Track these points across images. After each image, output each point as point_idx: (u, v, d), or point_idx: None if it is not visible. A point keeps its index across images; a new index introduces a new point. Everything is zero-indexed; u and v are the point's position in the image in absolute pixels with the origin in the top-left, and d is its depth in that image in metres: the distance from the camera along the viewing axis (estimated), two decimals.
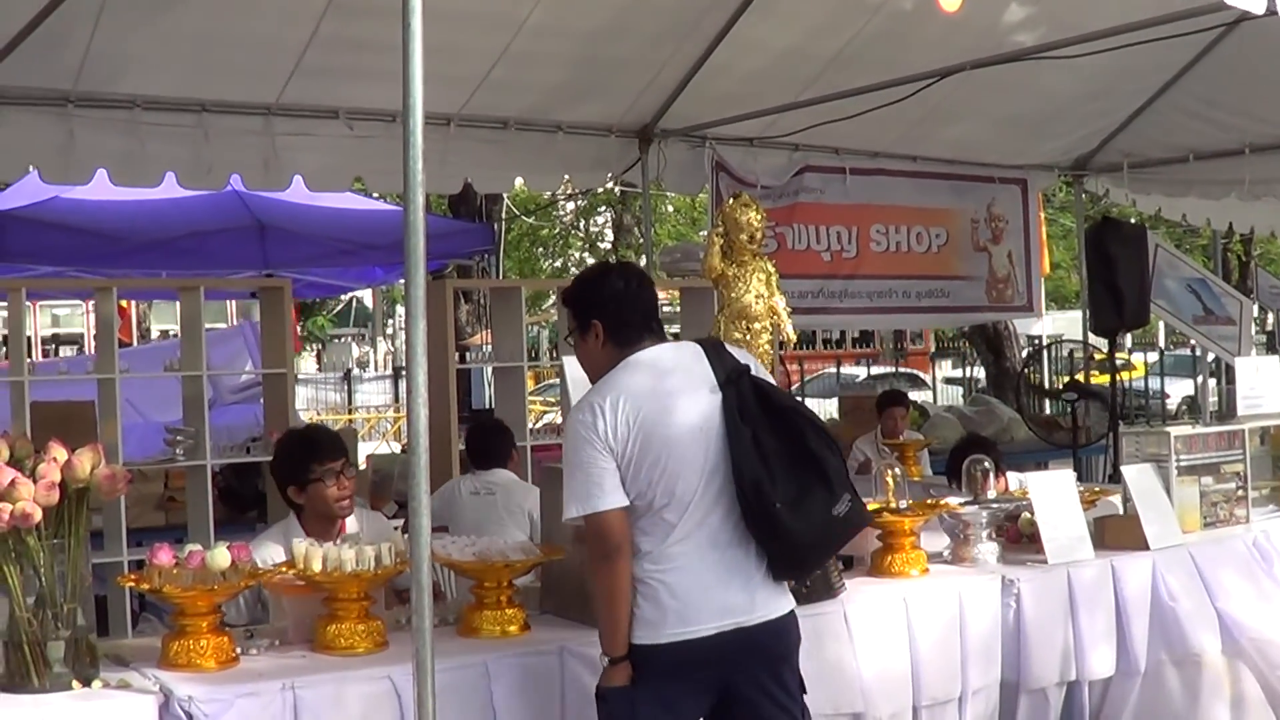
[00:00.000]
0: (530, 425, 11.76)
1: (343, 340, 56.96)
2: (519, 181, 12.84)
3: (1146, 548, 7.15)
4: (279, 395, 10.11)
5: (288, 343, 9.99)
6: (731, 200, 6.57)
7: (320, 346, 54.13)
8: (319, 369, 47.52)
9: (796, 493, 4.88)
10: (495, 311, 12.17)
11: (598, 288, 5.24)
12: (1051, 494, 7.09)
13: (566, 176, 13.01)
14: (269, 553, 6.05)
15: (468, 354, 16.44)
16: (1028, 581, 6.68)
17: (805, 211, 13.79)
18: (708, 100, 12.00)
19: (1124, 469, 7.50)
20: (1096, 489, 7.95)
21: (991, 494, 7.16)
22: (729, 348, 5.20)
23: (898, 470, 6.89)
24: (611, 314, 5.12)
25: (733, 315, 6.35)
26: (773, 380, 5.40)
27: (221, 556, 5.02)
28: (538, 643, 5.51)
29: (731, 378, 4.99)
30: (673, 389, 4.96)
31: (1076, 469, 9.02)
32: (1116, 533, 7.29)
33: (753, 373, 5.09)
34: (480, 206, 19.27)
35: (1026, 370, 17.06)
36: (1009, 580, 6.65)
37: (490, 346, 12.30)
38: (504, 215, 21.90)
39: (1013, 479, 8.27)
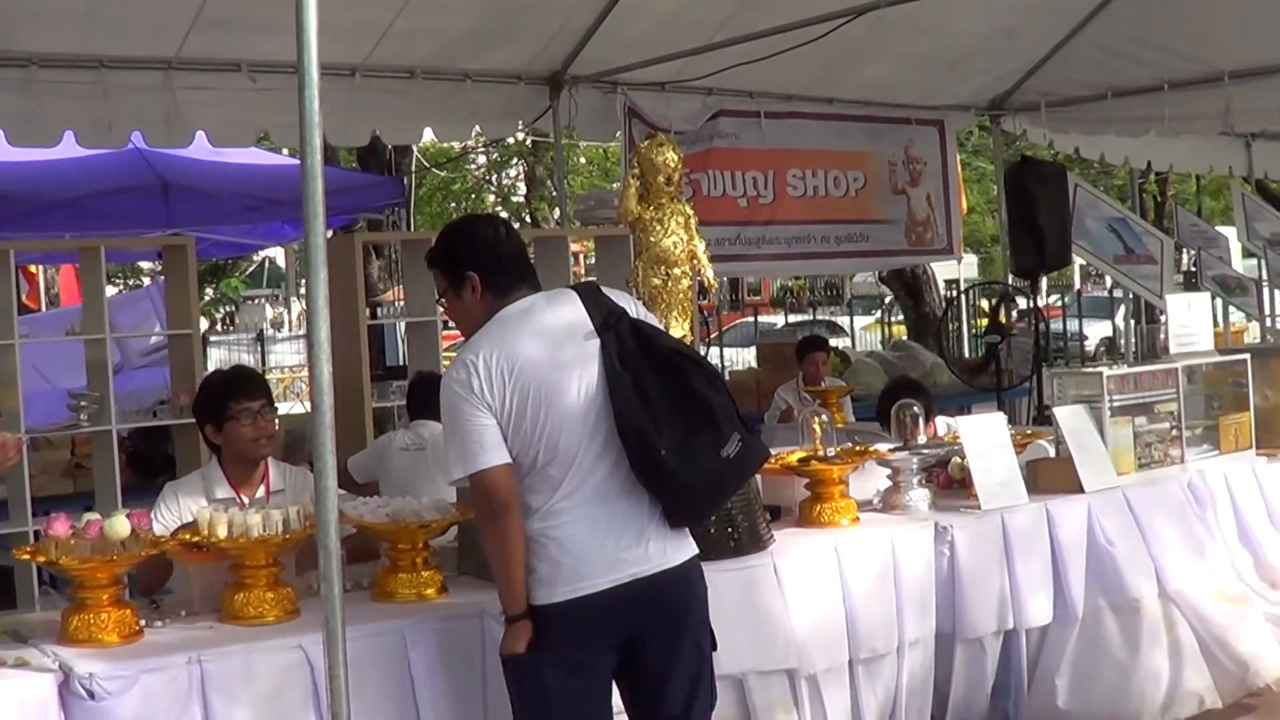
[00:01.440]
0: None
1: (256, 302, 56.40)
2: (428, 133, 12.56)
3: (1081, 491, 6.99)
4: (185, 356, 9.78)
5: (193, 302, 9.64)
6: (647, 140, 6.29)
7: (233, 308, 53.57)
8: (232, 330, 46.96)
9: (683, 437, 4.66)
10: (407, 266, 11.92)
11: (468, 238, 4.99)
12: (983, 438, 6.91)
13: (477, 127, 12.68)
14: (184, 504, 5.85)
15: (379, 310, 16.17)
16: (961, 529, 6.50)
17: (720, 157, 13.63)
18: (619, 45, 11.79)
19: (1056, 410, 7.31)
20: (1029, 432, 7.77)
21: (922, 439, 6.96)
22: (606, 290, 4.95)
23: (824, 417, 6.68)
24: (487, 264, 4.88)
25: (650, 260, 6.09)
26: (656, 321, 5.20)
27: (120, 525, 4.75)
28: (456, 607, 5.28)
29: (609, 321, 4.76)
30: (548, 339, 4.73)
31: (1000, 411, 8.81)
32: (1050, 476, 7.12)
33: (632, 314, 4.87)
34: (389, 160, 18.94)
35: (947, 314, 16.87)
36: (942, 528, 6.47)
37: (403, 302, 12.04)
38: (414, 168, 21.49)
39: (941, 423, 8.13)
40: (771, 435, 11.35)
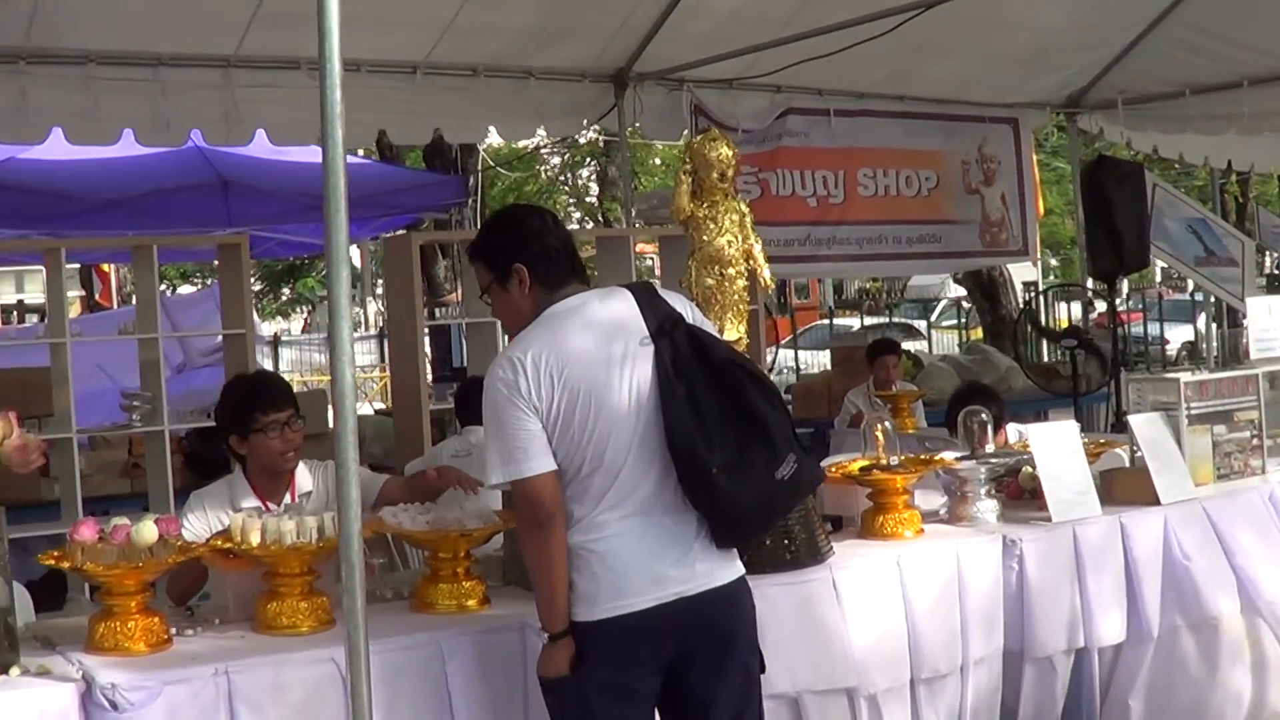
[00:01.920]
0: None
1: None
2: (492, 131, 12.36)
3: (1157, 502, 6.66)
4: (240, 356, 9.64)
5: (247, 301, 9.47)
6: (700, 135, 6.05)
7: (310, 308, 53.74)
8: (307, 330, 47.07)
9: (735, 455, 4.42)
10: (467, 266, 11.69)
11: (514, 229, 4.74)
12: (1054, 447, 6.60)
13: (541, 126, 12.56)
14: (212, 515, 5.68)
15: (441, 311, 15.95)
16: (1031, 541, 6.19)
17: (789, 156, 13.37)
18: (684, 41, 11.57)
19: (1131, 419, 7.00)
20: (1102, 440, 7.44)
21: (990, 448, 6.69)
22: (663, 292, 4.71)
23: (888, 423, 6.39)
24: (535, 255, 4.63)
25: (704, 260, 5.84)
26: (712, 328, 4.92)
27: (148, 531, 4.56)
28: (497, 619, 5.04)
29: (665, 327, 4.52)
30: (600, 340, 4.48)
31: (1077, 418, 8.49)
32: (1124, 487, 6.81)
33: (689, 320, 4.62)
34: (455, 159, 18.73)
35: (1024, 317, 16.54)
36: (1010, 541, 6.16)
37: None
38: (479, 167, 21.27)
39: (1013, 431, 7.88)
40: (841, 441, 11.18)
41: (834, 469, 6.37)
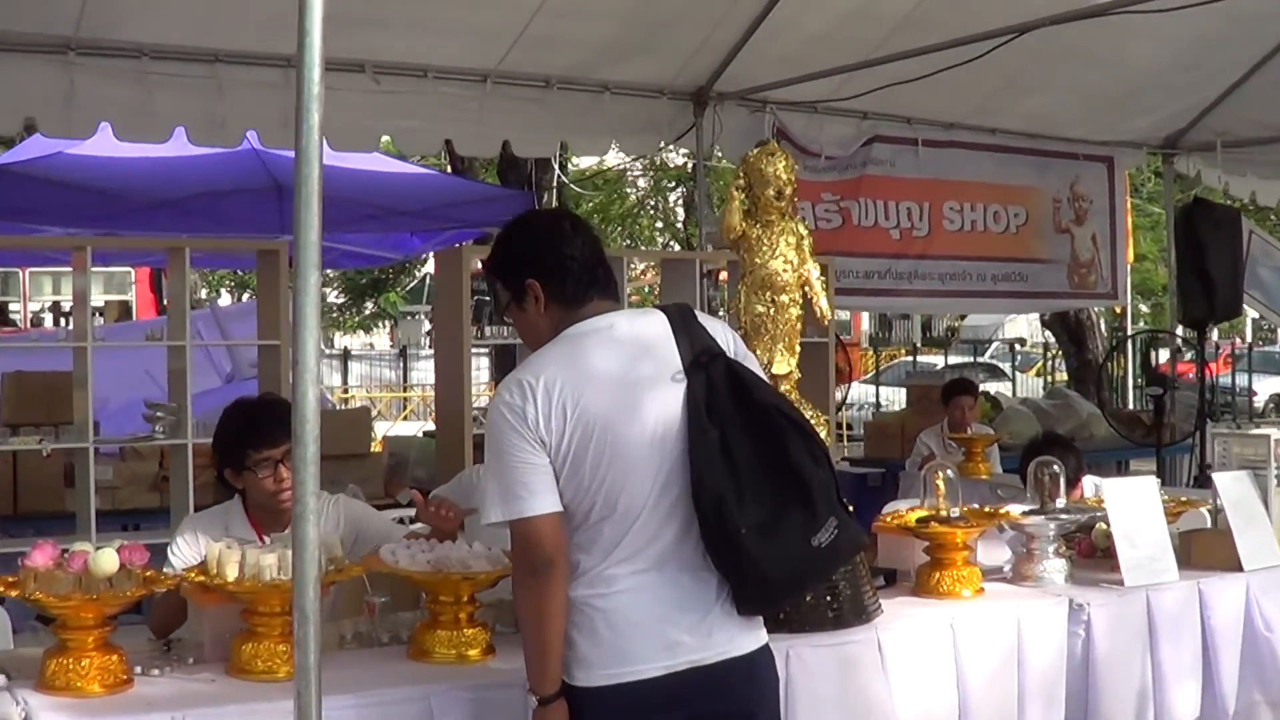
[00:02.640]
0: None
1: (415, 317, 56.52)
2: (564, 146, 12.05)
3: (1240, 569, 6.14)
4: (273, 369, 9.15)
5: (283, 310, 8.99)
6: (756, 149, 5.59)
7: (392, 323, 53.70)
8: (392, 346, 47.01)
9: (769, 515, 3.84)
10: None
11: (523, 239, 4.18)
12: (1131, 504, 6.10)
13: (615, 142, 12.16)
14: (203, 540, 5.10)
15: (495, 330, 15.47)
16: (1100, 606, 5.69)
17: (874, 185, 13.01)
18: (768, 61, 11.18)
19: (1216, 476, 6.49)
20: (1183, 500, 6.90)
21: (1061, 502, 6.18)
22: (703, 318, 4.12)
23: (950, 472, 5.90)
24: (550, 268, 4.06)
25: (755, 285, 5.39)
26: (756, 364, 4.33)
27: (107, 560, 4.09)
28: (499, 674, 4.48)
29: (701, 360, 3.95)
30: (625, 370, 3.91)
31: (1159, 470, 8.05)
32: (1205, 550, 6.29)
33: (730, 354, 4.07)
34: (530, 174, 18.31)
35: (1108, 363, 16.03)
36: (1077, 605, 5.66)
37: None
38: (555, 184, 20.78)
39: (1089, 484, 7.44)
40: (910, 483, 10.79)
41: (890, 518, 5.90)
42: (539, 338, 4.08)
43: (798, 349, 5.48)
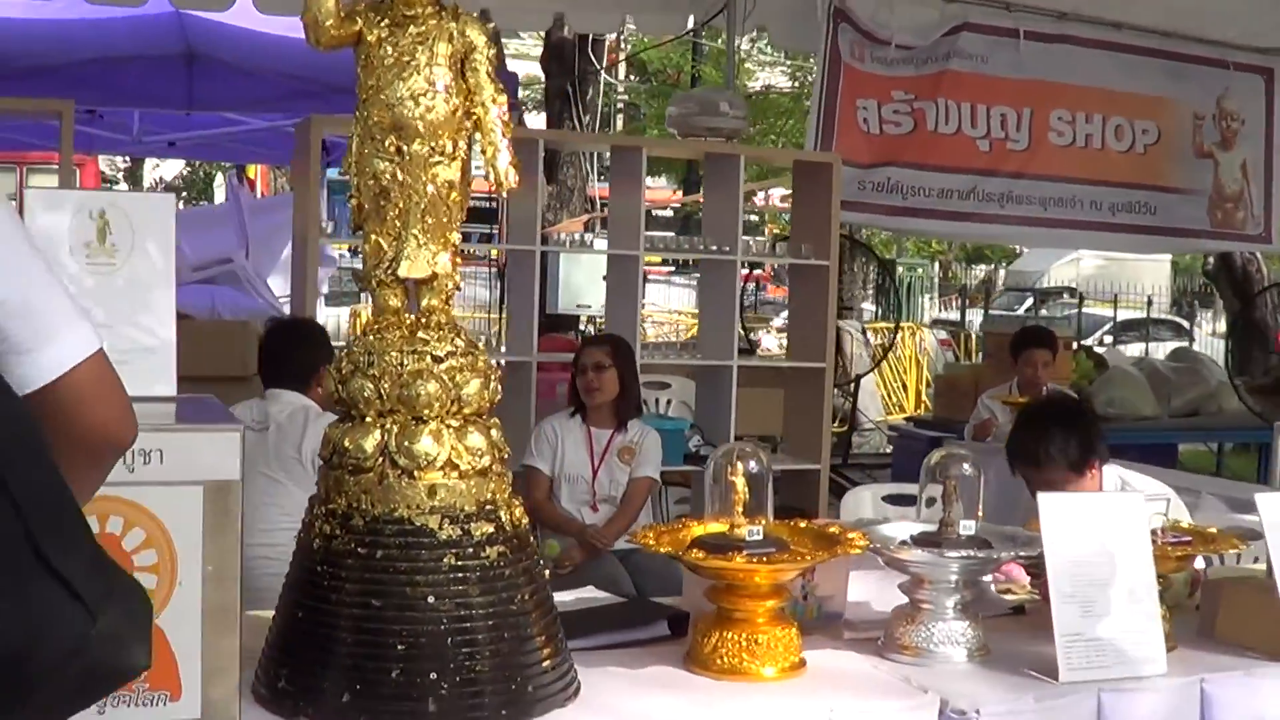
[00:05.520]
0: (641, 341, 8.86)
1: None
2: (574, 24, 10.36)
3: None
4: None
5: None
6: None
7: None
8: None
9: None
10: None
11: None
12: (1083, 536, 3.61)
13: (629, 19, 10.57)
14: None
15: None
16: (1002, 718, 3.30)
17: (958, 84, 10.83)
18: None
19: (1259, 497, 3.96)
20: (1212, 530, 4.34)
21: (970, 524, 3.73)
22: None
23: (753, 466, 3.50)
24: None
25: (374, 126, 3.03)
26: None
27: None
28: None
29: None
30: None
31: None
32: (1239, 618, 3.80)
33: None
34: (573, 64, 16.06)
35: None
36: (955, 712, 3.27)
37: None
38: (604, 73, 18.59)
39: (1112, 476, 5.10)
40: None
41: (650, 533, 3.55)
42: None
43: (455, 239, 3.10)
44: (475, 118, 3.07)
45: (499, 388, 3.14)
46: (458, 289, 3.16)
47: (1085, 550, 3.59)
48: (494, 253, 15.67)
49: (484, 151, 3.07)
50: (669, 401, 9.08)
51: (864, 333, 18.11)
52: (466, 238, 12.03)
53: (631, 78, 30.33)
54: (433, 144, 3.03)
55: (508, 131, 3.09)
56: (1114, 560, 3.61)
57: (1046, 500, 3.60)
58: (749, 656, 3.33)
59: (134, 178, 32.93)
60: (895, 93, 10.50)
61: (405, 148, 3.02)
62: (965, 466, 3.71)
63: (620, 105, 29.59)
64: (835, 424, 14.84)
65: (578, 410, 7.06)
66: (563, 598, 3.82)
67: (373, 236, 3.08)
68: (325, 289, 13.45)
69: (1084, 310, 24.91)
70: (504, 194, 3.08)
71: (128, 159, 30.20)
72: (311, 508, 3.10)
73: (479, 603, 2.94)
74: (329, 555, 2.99)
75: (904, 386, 19.82)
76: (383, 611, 2.90)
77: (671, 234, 14.03)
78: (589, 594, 4.02)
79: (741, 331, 9.44)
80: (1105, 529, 3.65)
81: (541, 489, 6.91)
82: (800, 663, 3.42)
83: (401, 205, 3.04)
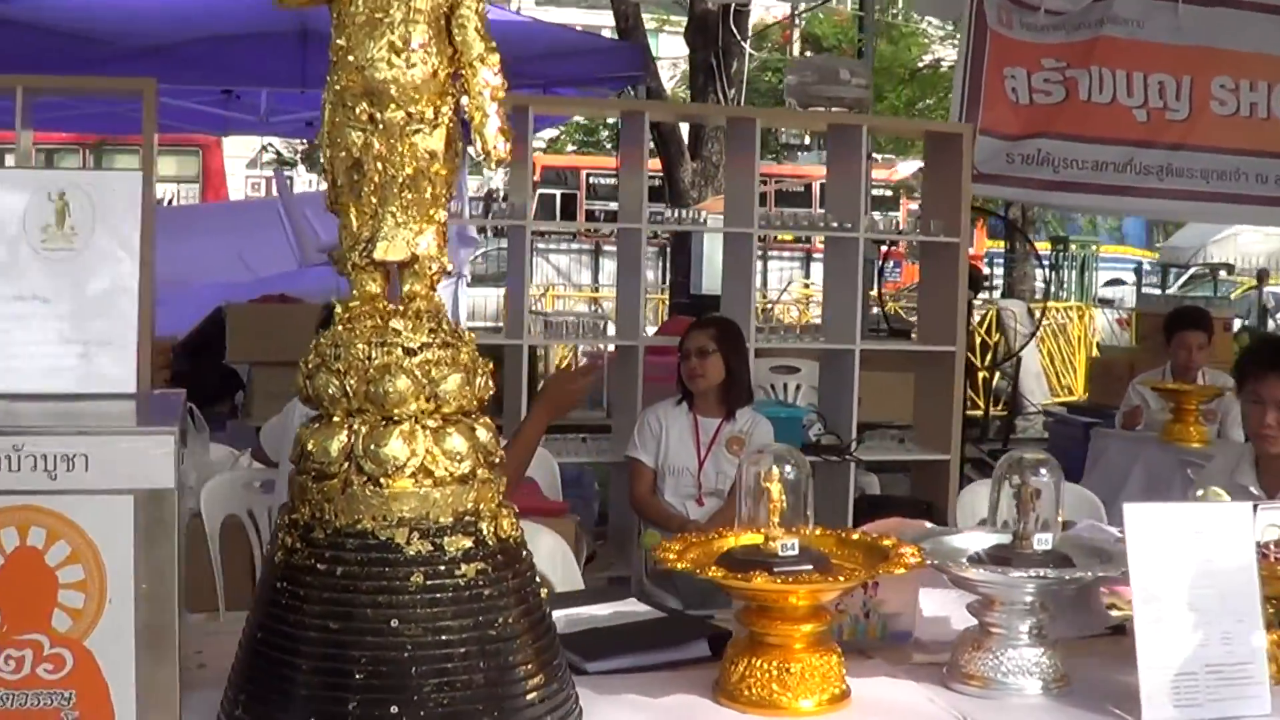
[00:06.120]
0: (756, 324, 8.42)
1: None
2: None
3: None
4: None
5: None
6: None
7: None
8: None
9: None
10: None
11: None
12: (1172, 554, 3.20)
13: None
14: None
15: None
16: None
17: (1112, 50, 10.29)
18: None
19: None
20: None
21: (1048, 537, 3.33)
22: None
23: (788, 470, 3.13)
24: None
25: (346, 91, 2.67)
26: None
27: None
28: None
29: None
30: None
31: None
32: None
33: None
34: (716, 38, 15.54)
35: None
36: None
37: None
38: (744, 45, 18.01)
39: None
40: (1102, 448, 8.35)
41: (694, 542, 3.21)
42: None
43: (441, 216, 2.77)
44: (465, 75, 2.75)
45: (489, 383, 2.80)
46: (445, 272, 2.82)
47: (1178, 568, 3.16)
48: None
49: (470, 117, 2.74)
50: (798, 387, 8.71)
51: (1029, 313, 17.52)
52: (612, 216, 11.70)
53: (807, 53, 29.95)
54: (409, 110, 2.69)
55: (498, 95, 2.75)
56: (1213, 579, 3.19)
57: (1132, 510, 3.19)
58: (780, 688, 2.96)
59: (310, 159, 33.04)
60: (1045, 60, 10.04)
61: (379, 115, 2.69)
62: (1042, 472, 3.32)
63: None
64: (998, 407, 14.36)
65: (684, 398, 6.73)
66: (598, 611, 3.51)
67: (348, 216, 2.77)
68: (467, 270, 13.11)
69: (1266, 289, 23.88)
70: (492, 165, 2.75)
71: (304, 141, 30.19)
72: (280, 516, 2.80)
73: (451, 627, 2.59)
74: (289, 571, 2.66)
75: (1073, 369, 19.24)
76: (341, 636, 2.56)
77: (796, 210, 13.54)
78: (629, 607, 3.65)
79: (881, 311, 9.06)
80: (1203, 543, 3.22)
81: (645, 482, 6.59)
82: (843, 694, 3.03)
83: (376, 180, 2.71)
